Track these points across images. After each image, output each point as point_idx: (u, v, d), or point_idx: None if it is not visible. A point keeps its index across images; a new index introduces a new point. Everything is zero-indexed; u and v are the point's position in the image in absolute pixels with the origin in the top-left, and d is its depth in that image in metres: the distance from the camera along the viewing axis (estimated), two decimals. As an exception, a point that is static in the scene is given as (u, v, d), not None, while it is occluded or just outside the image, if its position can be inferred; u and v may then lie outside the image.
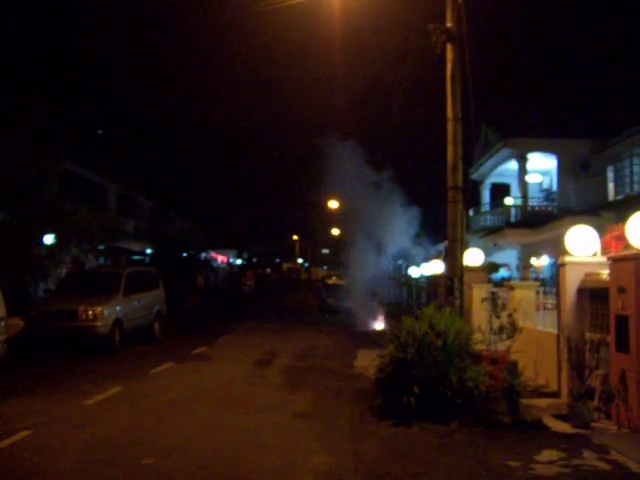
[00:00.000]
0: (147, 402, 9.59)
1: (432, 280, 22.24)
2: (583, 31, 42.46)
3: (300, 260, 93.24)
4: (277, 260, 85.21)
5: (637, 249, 7.80)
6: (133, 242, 33.70)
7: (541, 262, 26.25)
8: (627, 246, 8.18)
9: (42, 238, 18.96)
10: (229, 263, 61.82)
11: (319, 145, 25.58)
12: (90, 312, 14.53)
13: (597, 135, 26.50)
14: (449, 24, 11.31)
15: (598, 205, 24.15)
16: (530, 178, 29.94)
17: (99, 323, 14.55)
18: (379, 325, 24.91)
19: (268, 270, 75.17)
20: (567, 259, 9.68)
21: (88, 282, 16.81)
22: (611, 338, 8.26)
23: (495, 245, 29.12)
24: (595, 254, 9.60)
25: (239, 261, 65.60)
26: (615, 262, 8.30)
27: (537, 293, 12.43)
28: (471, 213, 32.71)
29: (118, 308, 15.53)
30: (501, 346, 10.13)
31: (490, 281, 15.65)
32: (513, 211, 29.56)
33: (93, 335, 14.53)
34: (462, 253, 11.60)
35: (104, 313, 14.72)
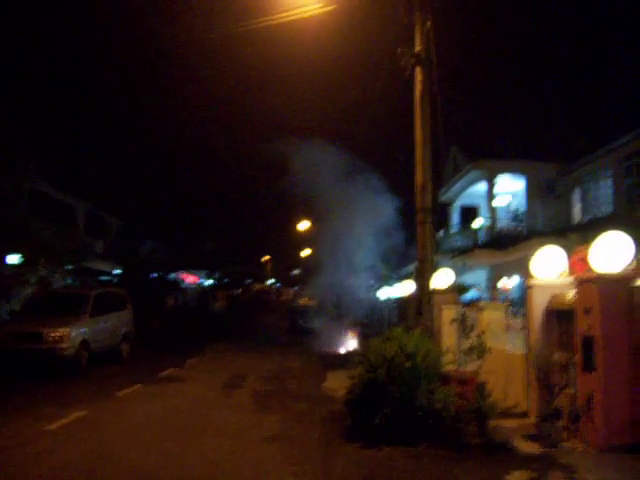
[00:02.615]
0: (113, 427, 9.38)
1: (402, 301, 22.28)
2: (551, 55, 43.49)
3: (271, 281, 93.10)
4: (248, 281, 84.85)
5: (597, 273, 7.92)
6: (101, 262, 33.24)
7: (509, 283, 26.50)
8: (589, 269, 8.29)
9: (4, 258, 18.63)
10: (199, 284, 61.27)
11: (288, 149, 24.84)
12: (56, 334, 14.27)
13: (564, 158, 27.03)
14: (418, 48, 11.46)
15: (565, 226, 24.53)
16: (499, 199, 30.32)
17: (65, 345, 14.29)
18: (349, 346, 24.82)
19: (239, 291, 74.79)
20: (534, 281, 9.78)
21: (54, 303, 16.49)
22: (578, 358, 8.33)
23: (465, 265, 29.32)
24: (562, 275, 9.71)
25: (210, 281, 65.04)
26: (580, 284, 8.40)
27: (506, 314, 12.49)
28: (441, 234, 32.99)
29: (85, 330, 15.27)
30: (471, 367, 10.15)
31: (460, 302, 15.72)
32: (482, 232, 29.86)
33: (59, 357, 14.26)
34: (431, 273, 11.67)
35: (70, 335, 14.47)
